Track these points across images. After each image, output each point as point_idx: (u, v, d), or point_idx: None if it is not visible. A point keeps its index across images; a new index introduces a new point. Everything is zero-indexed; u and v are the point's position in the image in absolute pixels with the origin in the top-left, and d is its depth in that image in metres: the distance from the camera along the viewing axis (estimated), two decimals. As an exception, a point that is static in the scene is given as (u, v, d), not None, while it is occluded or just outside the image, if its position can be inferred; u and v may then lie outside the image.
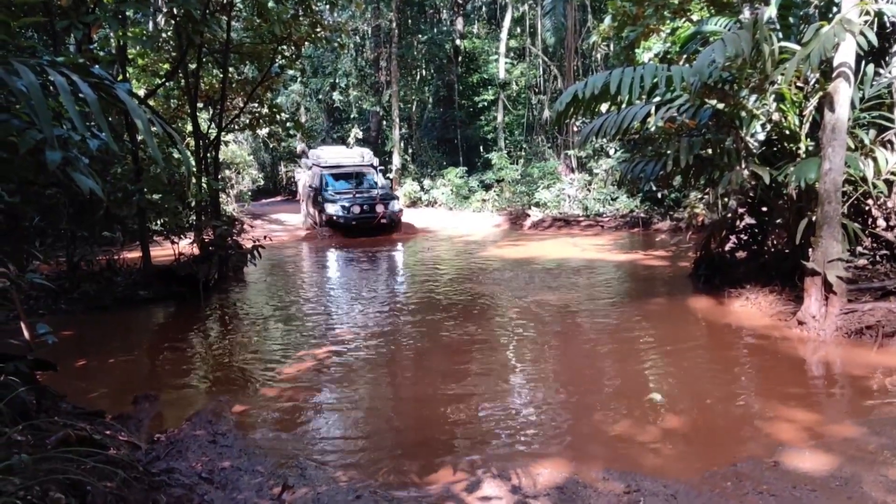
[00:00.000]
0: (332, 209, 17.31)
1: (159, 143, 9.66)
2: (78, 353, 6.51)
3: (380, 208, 17.16)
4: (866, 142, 6.51)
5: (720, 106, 7.15)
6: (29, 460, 2.51)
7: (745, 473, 3.48)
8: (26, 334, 3.44)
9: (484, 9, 31.02)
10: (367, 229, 16.97)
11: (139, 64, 11.83)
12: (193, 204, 9.77)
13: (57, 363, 4.53)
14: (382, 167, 21.40)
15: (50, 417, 3.37)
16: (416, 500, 3.38)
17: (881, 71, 6.85)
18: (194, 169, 9.89)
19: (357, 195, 17.72)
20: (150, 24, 11.84)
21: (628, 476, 3.49)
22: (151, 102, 11.38)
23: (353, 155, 20.41)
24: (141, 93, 11.39)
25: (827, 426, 4.12)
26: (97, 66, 2.91)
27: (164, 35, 11.45)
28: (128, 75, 10.55)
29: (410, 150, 28.98)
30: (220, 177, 12.06)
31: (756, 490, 3.29)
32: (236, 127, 13.06)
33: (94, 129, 3.06)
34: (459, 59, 28.05)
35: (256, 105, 12.39)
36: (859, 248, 6.86)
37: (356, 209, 17.13)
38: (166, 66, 11.74)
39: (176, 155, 9.31)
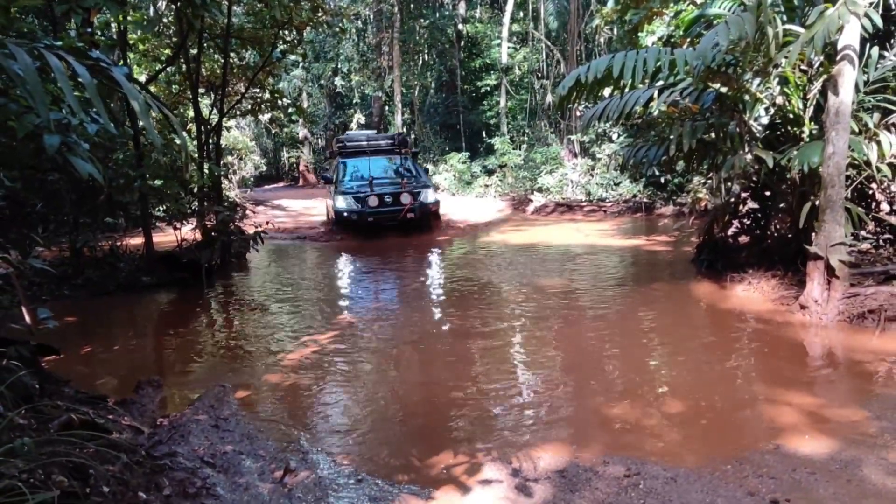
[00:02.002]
0: (341, 203, 13.72)
1: (161, 129, 9.66)
2: (82, 339, 6.54)
3: (406, 199, 13.54)
4: (870, 125, 6.46)
5: (723, 90, 7.10)
6: (31, 443, 2.52)
7: (745, 457, 3.49)
8: (27, 319, 3.46)
9: (486, -8, 30.84)
10: (389, 227, 13.59)
11: (140, 49, 11.78)
12: (196, 190, 9.77)
13: (61, 349, 4.57)
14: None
15: (53, 402, 3.39)
16: (418, 484, 3.40)
17: (886, 53, 6.79)
18: (195, 154, 9.88)
19: (375, 183, 13.93)
20: (151, 9, 11.79)
21: (629, 460, 3.51)
22: (153, 88, 11.37)
23: (380, 138, 16.43)
24: (142, 78, 11.36)
25: (828, 410, 4.12)
26: (96, 51, 2.90)
27: (164, 20, 11.40)
28: (128, 60, 10.52)
29: (413, 136, 28.90)
30: (222, 163, 12.04)
31: (756, 473, 3.30)
32: (238, 112, 13.04)
33: (94, 114, 3.05)
34: (462, 43, 27.90)
35: (258, 90, 12.35)
36: (862, 233, 6.83)
37: (373, 201, 13.47)
38: (167, 51, 11.69)
39: (178, 141, 9.30)
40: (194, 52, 10.22)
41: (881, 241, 6.89)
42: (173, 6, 9.82)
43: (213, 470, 3.42)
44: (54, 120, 2.72)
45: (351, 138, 16.30)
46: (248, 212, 12.01)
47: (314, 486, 3.37)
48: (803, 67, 6.72)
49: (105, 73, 2.36)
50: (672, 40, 11.05)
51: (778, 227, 7.78)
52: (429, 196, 14.12)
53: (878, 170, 6.36)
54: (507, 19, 25.30)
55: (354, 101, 32.25)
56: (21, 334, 3.70)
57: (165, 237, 10.48)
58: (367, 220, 13.55)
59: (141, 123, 8.66)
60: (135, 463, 3.03)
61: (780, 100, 6.98)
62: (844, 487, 3.13)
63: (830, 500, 3.03)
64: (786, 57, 5.96)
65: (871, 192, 7.01)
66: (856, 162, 6.43)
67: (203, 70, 11.24)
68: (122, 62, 9.02)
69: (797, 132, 6.94)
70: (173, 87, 12.54)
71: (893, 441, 3.57)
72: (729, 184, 8.60)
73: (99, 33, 9.31)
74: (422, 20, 28.58)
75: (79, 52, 2.59)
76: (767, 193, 7.87)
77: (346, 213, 13.72)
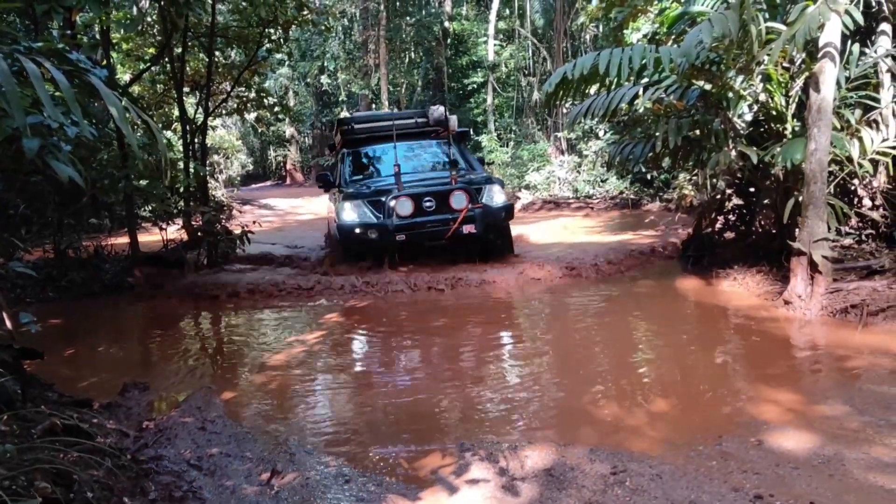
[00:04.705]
0: (349, 214, 8.58)
1: (146, 130, 9.60)
2: (66, 341, 6.50)
3: (460, 200, 8.48)
4: (852, 122, 6.52)
5: (708, 87, 7.14)
6: (14, 450, 2.51)
7: (730, 453, 3.52)
8: (8, 324, 3.43)
9: (472, -10, 30.84)
10: (430, 254, 8.77)
11: (123, 48, 11.70)
12: (181, 190, 9.72)
13: (44, 351, 4.51)
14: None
15: (36, 406, 3.36)
16: (405, 484, 3.40)
17: (867, 50, 6.84)
18: (180, 154, 9.83)
19: (408, 181, 8.80)
20: (134, 8, 11.69)
21: (615, 457, 3.52)
22: (137, 87, 11.29)
23: (405, 115, 10.78)
24: (126, 77, 11.28)
25: (811, 405, 4.16)
26: (79, 52, 2.88)
27: (148, 19, 11.31)
28: (112, 60, 10.44)
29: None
30: (208, 162, 11.98)
31: (740, 469, 3.33)
32: (224, 112, 12.96)
33: (74, 117, 3.03)
34: (448, 41, 27.88)
35: (244, 89, 12.28)
36: (845, 228, 6.89)
37: (404, 206, 8.37)
38: (151, 50, 11.62)
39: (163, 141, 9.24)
40: (179, 51, 10.16)
41: (863, 237, 6.95)
42: (157, 4, 9.76)
43: (199, 473, 3.41)
44: (34, 123, 2.70)
45: (360, 118, 10.77)
46: (234, 211, 11.96)
47: (301, 487, 3.36)
48: (785, 65, 6.77)
49: (82, 79, 2.34)
50: (657, 37, 11.10)
51: (762, 223, 7.84)
52: (495, 196, 8.92)
53: (860, 166, 6.43)
54: (493, 17, 25.29)
55: (341, 100, 32.15)
56: (2, 339, 3.67)
57: (151, 237, 10.41)
58: (393, 240, 8.41)
59: (125, 124, 8.59)
60: (120, 467, 3.02)
61: (763, 97, 7.03)
62: (827, 482, 3.16)
63: (813, 495, 3.06)
64: (768, 54, 6.00)
65: (853, 187, 7.07)
66: (838, 158, 6.49)
67: (188, 69, 11.17)
68: (104, 62, 8.95)
69: (780, 129, 6.99)
70: (158, 86, 12.46)
71: (875, 436, 3.61)
72: (714, 180, 8.66)
73: (81, 33, 9.22)
74: (408, 18, 28.53)
75: (58, 54, 2.57)
76: (752, 190, 7.92)
77: (357, 231, 8.47)
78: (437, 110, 10.10)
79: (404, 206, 8.39)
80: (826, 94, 5.83)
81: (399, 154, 9.13)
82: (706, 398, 4.44)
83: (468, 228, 8.48)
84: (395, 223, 8.35)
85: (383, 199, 8.52)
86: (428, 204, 8.52)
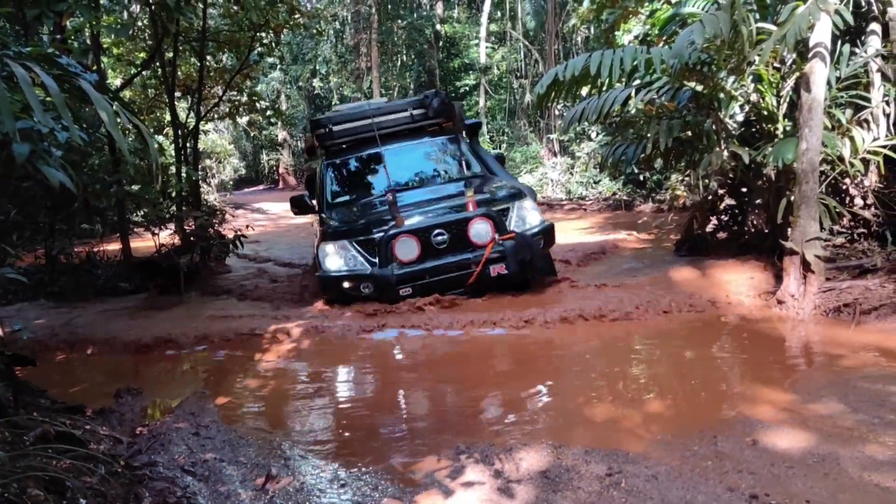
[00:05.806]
0: (333, 260, 6.69)
1: (138, 134, 9.56)
2: (58, 347, 6.45)
3: (479, 234, 6.52)
4: (843, 121, 6.55)
5: (699, 88, 7.17)
6: (6, 457, 2.49)
7: (725, 453, 3.52)
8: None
9: (464, -7, 30.90)
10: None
11: (114, 53, 11.66)
12: (174, 194, 9.68)
13: (37, 357, 4.50)
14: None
15: (28, 413, 3.34)
16: (401, 487, 3.39)
17: (857, 50, 6.88)
18: (164, 161, 9.79)
19: (406, 202, 6.94)
20: (125, 13, 11.66)
21: (610, 458, 3.52)
22: (128, 92, 11.25)
23: (398, 107, 8.41)
24: (117, 82, 11.25)
25: (805, 404, 4.17)
26: (69, 57, 2.86)
27: (138, 23, 11.28)
28: (102, 65, 10.40)
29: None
30: (200, 166, 11.95)
31: (736, 469, 3.33)
32: (216, 116, 12.93)
33: (64, 123, 3.01)
34: (440, 44, 27.93)
35: (235, 93, 12.25)
36: (837, 227, 6.92)
37: (409, 250, 6.46)
38: (142, 54, 11.58)
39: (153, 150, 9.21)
40: (170, 55, 10.13)
41: (855, 236, 6.98)
42: (148, 9, 9.72)
43: (193, 478, 3.39)
44: (24, 128, 2.69)
45: (340, 117, 8.27)
46: (227, 216, 11.92)
47: (296, 492, 3.35)
48: (776, 65, 6.80)
49: (72, 83, 2.33)
50: (648, 39, 11.12)
51: (755, 222, 7.87)
52: (528, 216, 6.97)
53: (852, 165, 6.46)
54: (484, 19, 25.34)
55: (333, 103, 32.16)
56: (-5, 345, 3.65)
57: (144, 242, 10.36)
58: (396, 295, 6.49)
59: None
60: (113, 474, 3.00)
61: (754, 97, 7.05)
62: (822, 481, 3.17)
63: (808, 494, 3.06)
64: (759, 55, 6.03)
65: (844, 186, 7.10)
66: (829, 157, 6.52)
67: (179, 73, 11.14)
68: (95, 67, 8.91)
69: (772, 129, 7.02)
70: (149, 90, 12.42)
71: (869, 434, 3.62)
72: (706, 181, 8.69)
73: (71, 38, 9.18)
74: (399, 21, 28.54)
75: (48, 59, 2.56)
76: (744, 190, 7.95)
77: (346, 285, 6.67)
78: (439, 96, 8.28)
79: (407, 249, 6.43)
80: (817, 94, 5.85)
81: (394, 163, 7.51)
82: (701, 398, 4.45)
83: (497, 269, 6.51)
84: (396, 272, 6.40)
85: (377, 236, 6.53)
86: (439, 239, 6.50)
